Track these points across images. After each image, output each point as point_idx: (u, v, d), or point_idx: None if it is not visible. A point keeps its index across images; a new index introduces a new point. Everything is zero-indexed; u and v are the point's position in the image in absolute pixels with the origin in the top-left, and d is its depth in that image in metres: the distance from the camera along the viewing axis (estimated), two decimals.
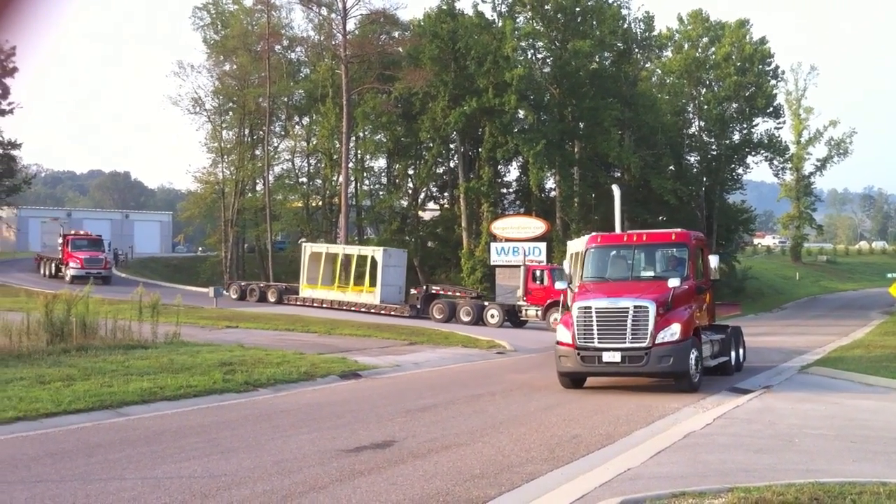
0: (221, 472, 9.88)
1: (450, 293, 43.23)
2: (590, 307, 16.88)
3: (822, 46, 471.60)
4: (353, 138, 60.54)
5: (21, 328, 20.35)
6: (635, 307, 16.54)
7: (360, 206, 65.02)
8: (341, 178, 57.45)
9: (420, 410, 14.65)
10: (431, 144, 60.70)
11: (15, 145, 68.90)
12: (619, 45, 60.71)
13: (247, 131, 68.41)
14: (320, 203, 66.87)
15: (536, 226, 47.54)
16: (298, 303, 45.57)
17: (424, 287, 43.95)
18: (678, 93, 69.42)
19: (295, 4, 62.15)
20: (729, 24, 71.31)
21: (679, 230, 19.44)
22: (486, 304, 40.95)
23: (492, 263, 46.58)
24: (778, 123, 72.87)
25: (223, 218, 66.74)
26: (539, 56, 60.59)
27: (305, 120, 69.26)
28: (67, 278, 49.48)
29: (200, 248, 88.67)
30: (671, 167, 63.60)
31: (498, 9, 59.51)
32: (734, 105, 69.34)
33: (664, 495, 8.18)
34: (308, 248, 48.74)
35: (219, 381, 16.69)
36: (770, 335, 34.58)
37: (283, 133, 69.57)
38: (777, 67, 72.34)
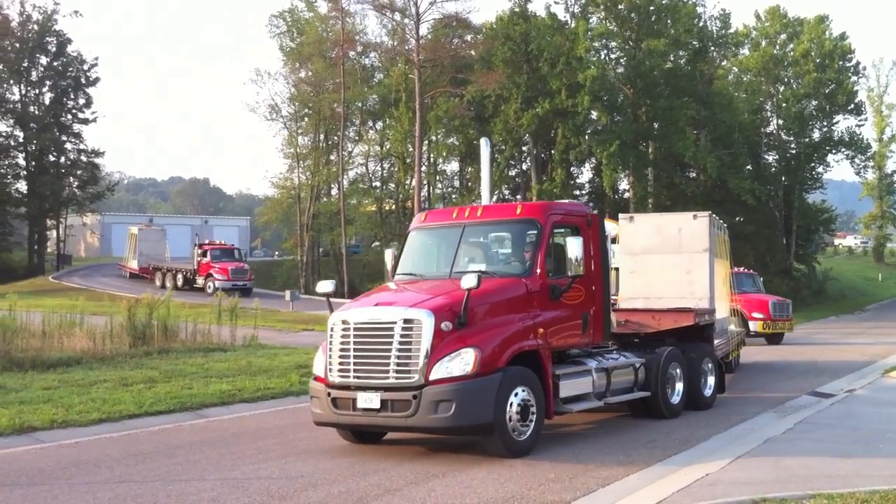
0: (298, 473, 10.02)
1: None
2: (348, 322, 11.14)
3: None
4: (426, 142, 60.79)
5: (105, 331, 20.91)
6: (405, 321, 10.65)
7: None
8: (414, 182, 57.75)
9: None
10: (504, 147, 60.63)
11: (98, 153, 71.12)
12: (694, 43, 59.79)
13: (322, 137, 69.21)
14: (393, 207, 67.32)
15: (610, 227, 46.76)
16: None
17: None
18: (755, 91, 68.08)
19: (369, 10, 62.45)
20: (808, 21, 69.76)
21: (532, 202, 13.09)
22: None
23: None
24: (859, 121, 70.94)
25: (299, 222, 67.61)
26: (612, 56, 60.10)
27: (379, 124, 69.85)
28: (210, 290, 47.09)
29: (277, 253, 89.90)
30: (749, 167, 62.44)
31: (570, 10, 59.26)
32: (814, 102, 67.73)
33: (744, 501, 8.06)
34: None
35: (295, 384, 16.91)
36: (843, 343, 33.74)
37: (357, 138, 70.25)
38: (858, 63, 70.46)
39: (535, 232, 12.15)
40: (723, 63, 67.68)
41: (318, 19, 67.13)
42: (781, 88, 68.90)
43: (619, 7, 56.72)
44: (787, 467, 9.98)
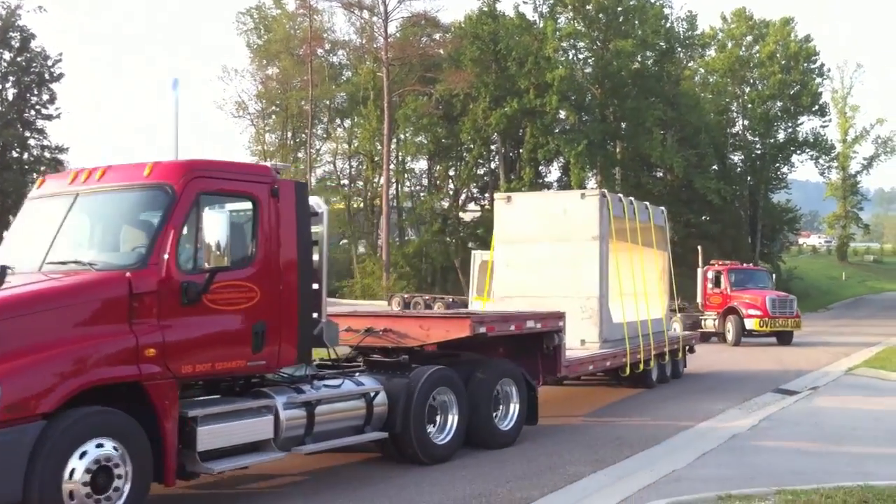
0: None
1: None
2: None
3: (868, 43, 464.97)
4: (395, 140, 60.69)
5: None
6: None
7: (401, 207, 65.11)
8: (383, 180, 57.67)
9: None
10: (472, 146, 60.65)
11: (62, 150, 70.24)
12: (661, 44, 60.16)
13: (289, 134, 68.87)
14: (362, 205, 67.12)
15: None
16: None
17: None
18: (722, 92, 68.70)
19: (337, 8, 62.19)
20: (773, 23, 70.49)
21: (167, 161, 8.50)
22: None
23: None
24: (824, 122, 72.03)
25: None
26: (580, 56, 60.37)
27: (347, 122, 69.57)
28: None
29: None
30: (715, 167, 62.99)
31: (539, 10, 59.40)
32: (779, 103, 68.48)
33: (710, 498, 8.09)
34: (478, 257, 43.01)
35: None
36: (807, 341, 34.07)
37: (325, 136, 69.89)
38: (822, 65, 71.46)
39: (167, 200, 8.03)
40: (689, 64, 68.24)
41: (286, 17, 66.79)
42: (747, 90, 69.61)
43: (587, 7, 56.96)
44: (752, 464, 10.05)
